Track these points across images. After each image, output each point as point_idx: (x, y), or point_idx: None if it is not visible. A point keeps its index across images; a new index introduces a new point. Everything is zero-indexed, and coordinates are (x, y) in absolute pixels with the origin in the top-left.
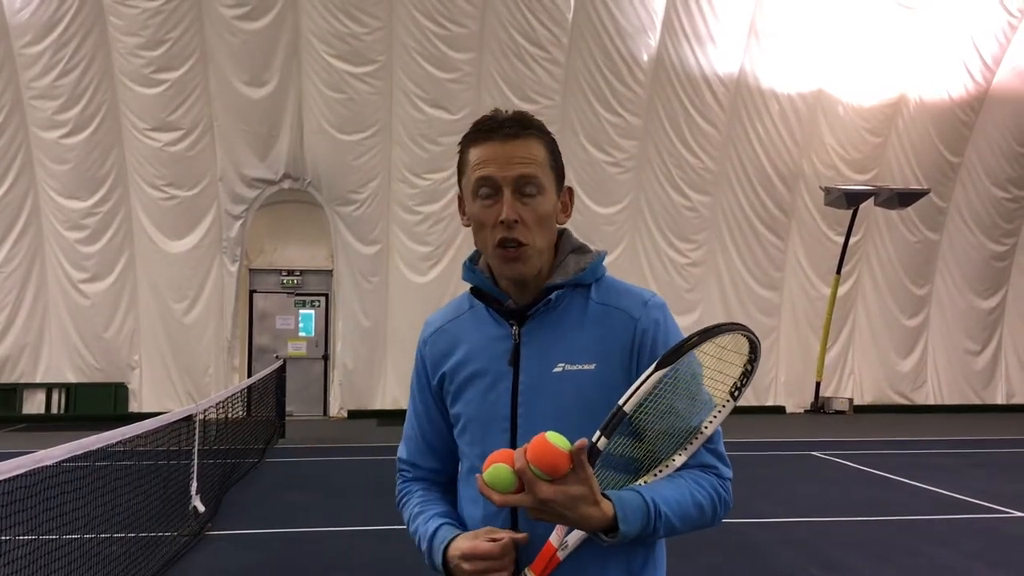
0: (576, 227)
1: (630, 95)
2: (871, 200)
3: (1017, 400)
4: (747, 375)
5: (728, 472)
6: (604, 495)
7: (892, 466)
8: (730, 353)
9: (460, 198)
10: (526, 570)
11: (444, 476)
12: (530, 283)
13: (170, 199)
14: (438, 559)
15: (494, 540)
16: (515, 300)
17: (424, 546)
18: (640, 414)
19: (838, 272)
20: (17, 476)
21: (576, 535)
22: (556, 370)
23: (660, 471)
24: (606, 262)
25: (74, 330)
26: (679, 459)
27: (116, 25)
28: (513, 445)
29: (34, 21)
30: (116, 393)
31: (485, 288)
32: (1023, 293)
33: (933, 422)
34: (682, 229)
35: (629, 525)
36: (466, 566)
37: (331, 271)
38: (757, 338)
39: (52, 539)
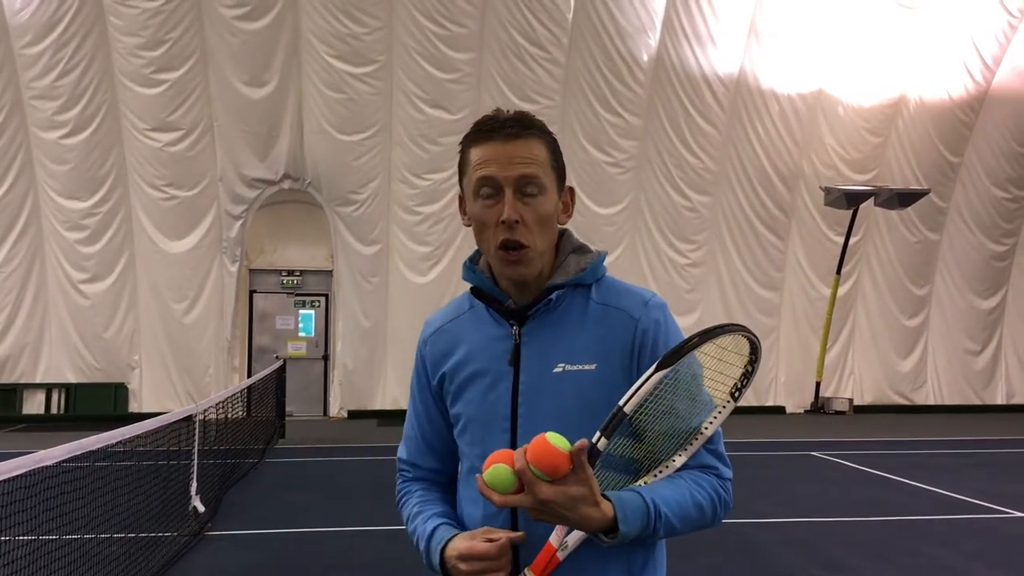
0: (576, 227)
1: (630, 95)
2: (871, 200)
3: (1017, 400)
4: (747, 376)
5: (728, 473)
6: (604, 496)
7: (892, 466)
8: (730, 354)
9: (461, 198)
10: (526, 570)
11: (444, 476)
12: (531, 283)
13: (170, 199)
14: (435, 559)
15: (491, 540)
16: (515, 300)
17: (422, 546)
18: (640, 415)
19: (838, 272)
20: (17, 476)
21: (576, 536)
22: (556, 370)
23: (660, 472)
24: (606, 262)
25: (74, 330)
26: (679, 460)
27: (116, 25)
28: (513, 445)
29: (34, 21)
30: (116, 393)
31: (485, 288)
32: (1023, 293)
33: (933, 422)
34: (682, 229)
35: (629, 526)
36: (463, 566)
37: (331, 271)
38: (757, 339)
39: (52, 539)
